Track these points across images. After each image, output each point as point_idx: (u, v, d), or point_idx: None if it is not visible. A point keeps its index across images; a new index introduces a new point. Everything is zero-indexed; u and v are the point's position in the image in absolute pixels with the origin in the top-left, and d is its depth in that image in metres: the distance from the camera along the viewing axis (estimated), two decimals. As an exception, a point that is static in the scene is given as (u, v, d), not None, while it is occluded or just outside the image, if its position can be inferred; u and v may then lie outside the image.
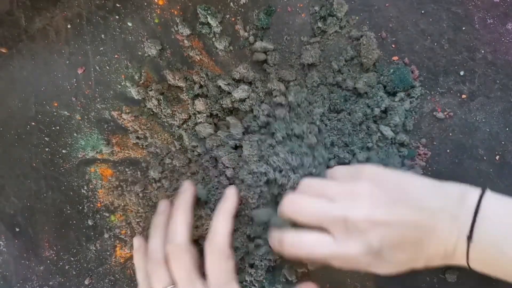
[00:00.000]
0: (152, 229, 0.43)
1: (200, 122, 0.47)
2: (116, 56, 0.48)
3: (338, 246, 0.33)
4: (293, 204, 0.37)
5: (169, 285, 0.38)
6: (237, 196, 0.42)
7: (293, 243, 0.36)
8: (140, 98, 0.48)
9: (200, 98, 0.46)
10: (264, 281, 0.45)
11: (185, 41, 0.47)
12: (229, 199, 0.41)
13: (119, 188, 0.50)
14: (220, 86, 0.46)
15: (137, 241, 0.45)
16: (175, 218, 0.41)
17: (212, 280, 0.37)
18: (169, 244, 0.39)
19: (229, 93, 0.46)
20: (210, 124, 0.46)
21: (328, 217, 0.34)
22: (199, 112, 0.46)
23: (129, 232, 0.50)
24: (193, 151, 0.48)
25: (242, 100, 0.45)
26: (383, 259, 0.33)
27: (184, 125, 0.48)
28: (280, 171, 0.42)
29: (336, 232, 0.34)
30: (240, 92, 0.44)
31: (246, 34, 0.46)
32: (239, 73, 0.46)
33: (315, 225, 0.35)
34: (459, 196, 0.33)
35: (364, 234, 0.32)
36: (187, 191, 0.43)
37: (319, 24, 0.45)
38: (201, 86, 0.47)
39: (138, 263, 0.43)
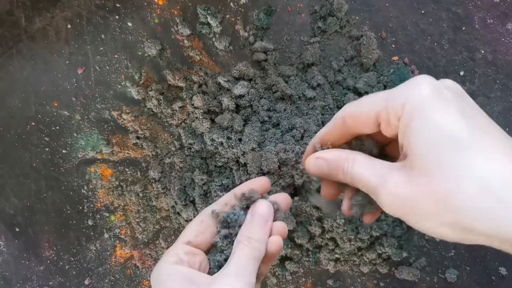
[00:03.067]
0: None
1: (197, 118, 0.47)
2: (116, 56, 0.48)
3: None
4: None
5: None
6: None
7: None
8: (140, 98, 0.48)
9: (198, 94, 0.46)
10: None
11: (185, 41, 0.47)
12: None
13: (119, 188, 0.50)
14: (219, 83, 0.46)
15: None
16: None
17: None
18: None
19: (228, 89, 0.46)
20: (207, 119, 0.46)
21: None
22: (196, 108, 0.46)
23: (129, 232, 0.50)
24: (190, 148, 0.48)
25: (241, 96, 0.45)
26: None
27: (182, 124, 0.48)
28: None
29: None
30: (239, 88, 0.44)
31: (246, 34, 0.46)
32: (239, 71, 0.46)
33: None
34: None
35: None
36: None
37: (319, 24, 0.45)
38: (200, 86, 0.47)
39: None
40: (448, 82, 0.26)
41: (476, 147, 0.21)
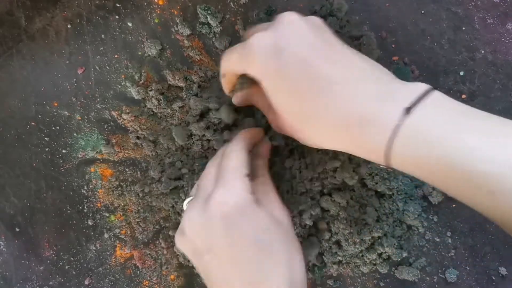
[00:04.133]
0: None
1: (196, 121, 0.47)
2: (116, 56, 0.48)
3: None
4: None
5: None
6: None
7: None
8: (140, 98, 0.48)
9: (194, 97, 0.46)
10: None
11: (185, 41, 0.47)
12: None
13: (119, 188, 0.50)
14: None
15: None
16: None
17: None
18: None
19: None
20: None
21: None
22: (192, 109, 0.46)
23: (129, 232, 0.50)
24: (189, 149, 0.48)
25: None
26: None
27: (182, 124, 0.48)
28: None
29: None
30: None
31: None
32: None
33: None
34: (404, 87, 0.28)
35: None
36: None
37: (319, 24, 0.45)
38: (200, 86, 0.47)
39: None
40: (281, 27, 0.31)
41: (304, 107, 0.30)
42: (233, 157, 0.34)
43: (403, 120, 0.25)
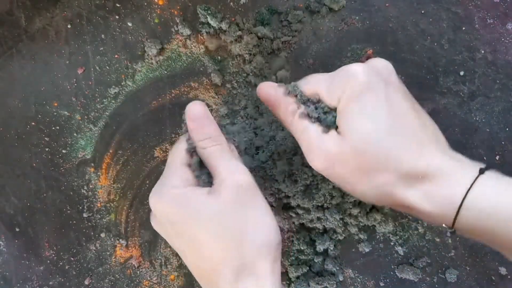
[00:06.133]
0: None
1: None
2: (116, 56, 0.48)
3: None
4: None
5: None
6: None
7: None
8: (140, 98, 0.48)
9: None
10: None
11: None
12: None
13: (119, 188, 0.50)
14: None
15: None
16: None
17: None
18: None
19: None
20: None
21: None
22: None
23: (129, 232, 0.50)
24: None
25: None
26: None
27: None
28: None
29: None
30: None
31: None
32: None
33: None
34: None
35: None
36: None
37: (319, 24, 0.45)
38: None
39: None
40: (380, 65, 0.33)
41: (391, 143, 0.30)
42: (172, 153, 0.35)
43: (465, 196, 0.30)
